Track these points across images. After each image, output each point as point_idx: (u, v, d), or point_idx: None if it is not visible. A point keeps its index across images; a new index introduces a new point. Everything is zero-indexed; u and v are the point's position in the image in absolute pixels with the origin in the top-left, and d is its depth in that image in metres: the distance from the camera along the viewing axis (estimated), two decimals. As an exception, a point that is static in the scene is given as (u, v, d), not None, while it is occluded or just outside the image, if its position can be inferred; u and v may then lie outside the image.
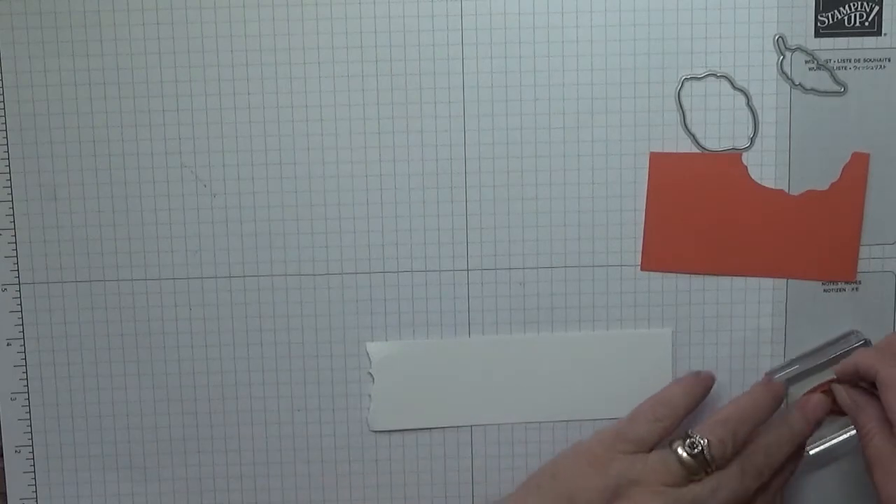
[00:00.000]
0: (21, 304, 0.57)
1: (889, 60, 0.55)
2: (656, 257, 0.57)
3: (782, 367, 0.57)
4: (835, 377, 0.55)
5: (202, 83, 0.56)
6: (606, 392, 0.57)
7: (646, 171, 0.56)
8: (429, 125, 0.56)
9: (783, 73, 0.55)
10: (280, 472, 0.58)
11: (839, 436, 0.57)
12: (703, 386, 0.55)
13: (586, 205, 0.56)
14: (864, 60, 0.55)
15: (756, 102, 0.56)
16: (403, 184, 0.56)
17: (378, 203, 0.57)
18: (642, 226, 0.56)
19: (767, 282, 0.57)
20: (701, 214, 0.56)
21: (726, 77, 0.55)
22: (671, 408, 0.54)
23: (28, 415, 0.58)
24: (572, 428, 0.58)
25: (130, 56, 0.56)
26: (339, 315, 0.57)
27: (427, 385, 0.57)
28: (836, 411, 0.56)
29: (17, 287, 0.57)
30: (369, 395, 0.58)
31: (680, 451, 0.52)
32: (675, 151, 0.56)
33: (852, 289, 0.57)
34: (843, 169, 0.56)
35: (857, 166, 0.55)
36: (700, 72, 0.55)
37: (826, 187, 0.56)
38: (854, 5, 0.55)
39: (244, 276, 0.57)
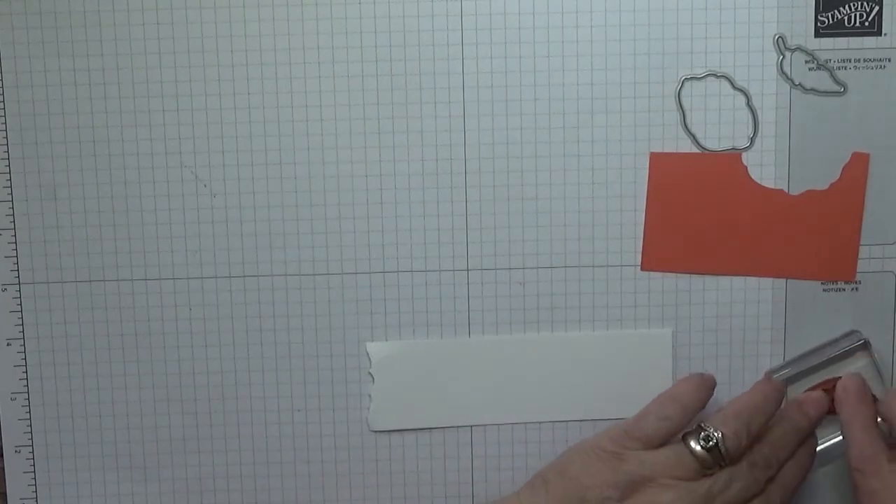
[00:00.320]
0: (21, 304, 0.57)
1: (889, 60, 0.55)
2: (656, 257, 0.57)
3: (781, 367, 0.57)
4: (834, 376, 0.55)
5: (202, 83, 0.56)
6: (606, 392, 0.57)
7: (646, 172, 0.56)
8: (429, 125, 0.56)
9: (783, 73, 0.55)
10: (280, 472, 0.58)
11: (838, 436, 0.57)
12: (707, 387, 0.55)
13: (586, 205, 0.56)
14: (864, 60, 0.55)
15: (756, 102, 0.56)
16: (403, 184, 0.56)
17: (378, 203, 0.57)
18: (642, 226, 0.56)
19: (767, 282, 0.57)
20: (701, 214, 0.56)
21: (726, 77, 0.55)
22: (680, 405, 0.54)
23: (28, 415, 0.58)
24: (572, 428, 0.58)
25: (130, 56, 0.56)
26: (339, 315, 0.57)
27: (427, 385, 0.57)
28: (833, 411, 0.56)
29: (17, 287, 0.57)
30: (369, 395, 0.58)
31: (693, 444, 0.52)
32: (675, 151, 0.56)
33: (852, 289, 0.57)
34: (843, 169, 0.56)
35: (857, 166, 0.55)
36: (700, 72, 0.55)
37: (826, 187, 0.56)
38: (854, 5, 0.55)
39: (244, 276, 0.57)
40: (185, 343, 0.58)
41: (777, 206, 0.56)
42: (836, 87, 0.55)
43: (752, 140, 0.56)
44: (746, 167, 0.56)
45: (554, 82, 0.56)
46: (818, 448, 0.57)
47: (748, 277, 0.57)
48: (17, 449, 0.58)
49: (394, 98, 0.56)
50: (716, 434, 0.51)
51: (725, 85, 0.55)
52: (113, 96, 0.56)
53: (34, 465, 0.58)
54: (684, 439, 0.52)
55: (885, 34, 0.55)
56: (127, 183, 0.57)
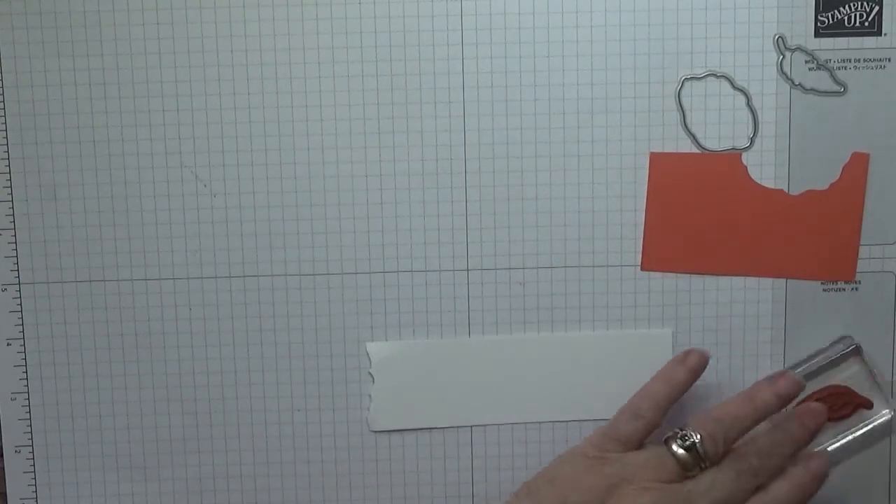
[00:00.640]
0: (21, 304, 0.57)
1: (889, 60, 0.55)
2: (656, 257, 0.57)
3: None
4: (828, 384, 0.55)
5: (202, 83, 0.56)
6: (606, 392, 0.57)
7: (646, 172, 0.56)
8: (429, 125, 0.56)
9: (783, 73, 0.55)
10: (280, 472, 0.58)
11: (836, 442, 0.57)
12: (687, 370, 0.54)
13: (586, 205, 0.56)
14: (864, 60, 0.55)
15: (756, 102, 0.56)
16: (403, 184, 0.56)
17: (378, 203, 0.57)
18: (642, 226, 0.56)
19: (767, 282, 0.57)
20: (701, 214, 0.56)
21: (726, 77, 0.55)
22: (653, 402, 0.54)
23: (28, 415, 0.58)
24: (572, 428, 0.58)
25: (130, 56, 0.56)
26: (339, 315, 0.57)
27: (427, 385, 0.57)
28: (833, 418, 0.56)
29: (17, 287, 0.57)
30: (369, 395, 0.58)
31: (674, 446, 0.52)
32: (675, 151, 0.56)
33: (852, 289, 0.57)
34: (843, 169, 0.56)
35: (857, 166, 0.56)
36: (700, 72, 0.55)
37: (826, 187, 0.56)
38: (854, 5, 0.55)
39: (244, 276, 0.57)
40: (185, 343, 0.58)
41: (777, 206, 0.56)
42: (836, 87, 0.55)
43: (752, 140, 0.56)
44: (746, 167, 0.56)
45: (554, 82, 0.56)
46: None
47: (748, 277, 0.57)
48: (17, 449, 0.58)
49: (394, 98, 0.56)
50: (693, 435, 0.51)
51: (725, 85, 0.55)
52: (113, 96, 0.56)
53: (34, 465, 0.58)
54: (666, 442, 0.52)
55: (885, 34, 0.55)
56: (127, 183, 0.57)
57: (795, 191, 0.56)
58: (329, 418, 0.58)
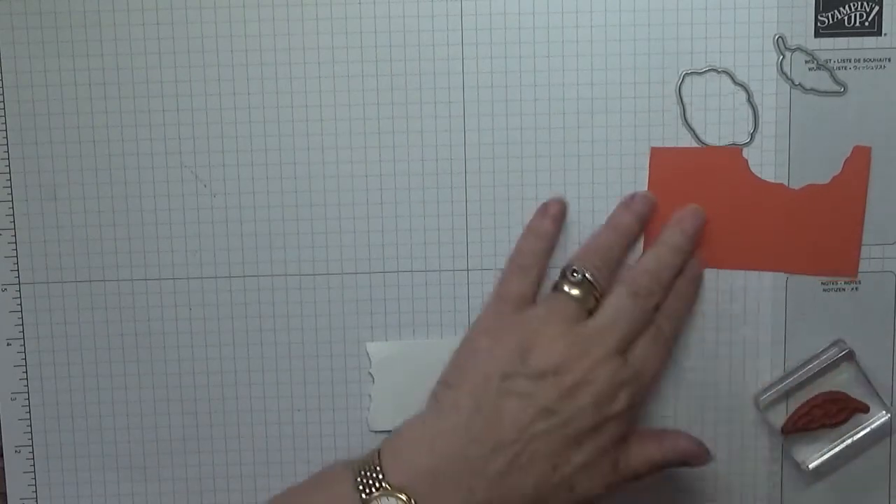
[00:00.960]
0: (21, 304, 0.57)
1: (889, 60, 0.55)
2: None
3: (767, 389, 0.57)
4: (823, 391, 0.56)
5: (202, 83, 0.56)
6: (606, 392, 0.57)
7: (646, 171, 0.56)
8: (429, 125, 0.56)
9: (783, 73, 0.55)
10: (280, 472, 0.58)
11: (835, 447, 0.57)
12: (550, 218, 0.55)
13: (586, 205, 0.56)
14: (864, 60, 0.55)
15: (756, 100, 0.56)
16: (403, 184, 0.56)
17: (378, 203, 0.57)
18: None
19: (767, 281, 0.57)
20: (702, 208, 0.56)
21: (727, 72, 0.55)
22: (532, 255, 0.54)
23: (28, 415, 0.58)
24: (572, 428, 0.58)
25: (130, 56, 0.56)
26: (339, 315, 0.57)
27: (427, 385, 0.57)
28: (830, 424, 0.56)
29: (17, 287, 0.57)
30: (369, 395, 0.58)
31: (565, 287, 0.52)
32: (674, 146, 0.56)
33: (852, 288, 0.57)
34: (845, 163, 0.56)
35: (859, 160, 0.55)
36: (700, 67, 0.55)
37: (827, 181, 0.56)
38: (854, 5, 0.55)
39: (244, 276, 0.57)
40: (185, 343, 0.58)
41: (778, 199, 0.56)
42: (836, 87, 0.55)
43: (752, 136, 0.56)
44: (747, 161, 0.56)
45: (554, 82, 0.56)
46: (816, 462, 0.57)
47: (749, 277, 0.57)
48: (17, 449, 0.58)
49: (394, 98, 0.56)
50: (578, 270, 0.52)
51: (726, 80, 0.55)
52: (113, 96, 0.56)
53: (34, 465, 0.58)
54: (555, 288, 0.52)
55: (885, 34, 0.55)
56: (127, 183, 0.57)
57: (796, 185, 0.56)
58: (329, 418, 0.58)
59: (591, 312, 0.52)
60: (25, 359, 0.58)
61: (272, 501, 0.52)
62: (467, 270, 0.57)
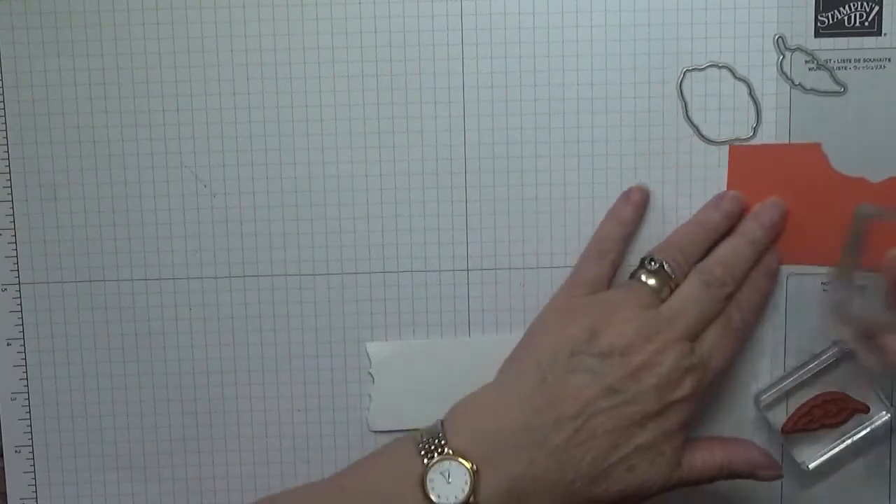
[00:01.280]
0: (21, 304, 0.57)
1: (889, 60, 0.55)
2: None
3: (768, 388, 0.57)
4: (824, 391, 0.56)
5: (202, 83, 0.56)
6: (606, 392, 0.57)
7: (646, 171, 0.56)
8: (429, 125, 0.56)
9: (783, 73, 0.55)
10: (280, 472, 0.58)
11: (835, 447, 0.57)
12: (633, 205, 0.55)
13: (586, 205, 0.56)
14: (864, 60, 0.55)
15: (757, 95, 0.55)
16: (403, 184, 0.56)
17: (378, 203, 0.57)
18: (645, 224, 0.56)
19: (767, 282, 0.57)
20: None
21: (727, 67, 0.55)
22: (612, 241, 0.55)
23: (28, 415, 0.58)
24: (572, 428, 0.58)
25: (130, 56, 0.56)
26: (339, 315, 0.57)
27: (427, 385, 0.57)
28: (831, 424, 0.56)
29: (17, 287, 0.57)
30: (369, 395, 0.58)
31: (643, 276, 0.52)
32: (754, 145, 0.55)
33: (852, 289, 0.57)
34: None
35: None
36: (701, 63, 0.55)
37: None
38: (854, 5, 0.55)
39: (244, 276, 0.57)
40: (185, 343, 0.58)
41: (859, 194, 0.55)
42: (836, 87, 0.55)
43: (754, 130, 0.56)
44: (826, 156, 0.55)
45: (554, 82, 0.56)
46: (817, 462, 0.57)
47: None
48: (17, 449, 0.58)
49: (394, 98, 0.56)
50: (657, 261, 0.52)
51: (727, 75, 0.55)
52: (113, 96, 0.56)
53: (34, 465, 0.58)
54: (633, 277, 0.53)
55: (885, 34, 0.55)
56: (127, 183, 0.57)
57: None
58: (329, 418, 0.58)
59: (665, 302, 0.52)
60: (25, 359, 0.58)
61: (337, 475, 0.52)
62: (467, 270, 0.57)
